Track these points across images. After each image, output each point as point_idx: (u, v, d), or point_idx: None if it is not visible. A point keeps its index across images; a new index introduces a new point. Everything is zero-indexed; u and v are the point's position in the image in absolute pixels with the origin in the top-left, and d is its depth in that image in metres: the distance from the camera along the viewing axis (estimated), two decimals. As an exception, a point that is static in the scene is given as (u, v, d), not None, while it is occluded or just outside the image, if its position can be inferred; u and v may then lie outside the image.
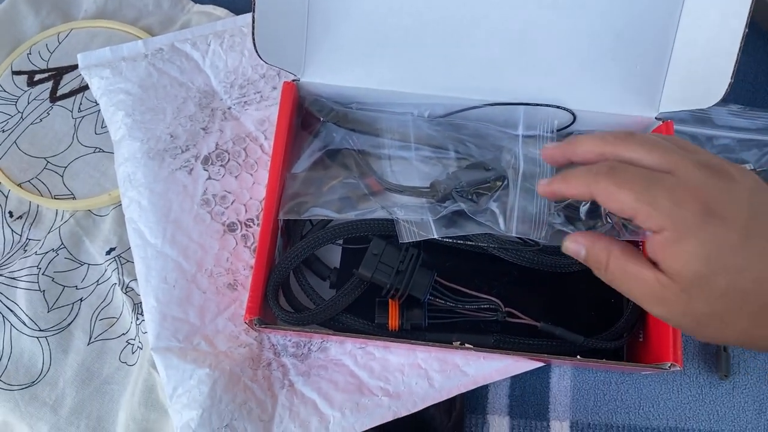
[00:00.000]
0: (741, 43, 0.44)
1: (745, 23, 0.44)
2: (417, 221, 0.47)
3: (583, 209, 0.48)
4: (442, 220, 0.47)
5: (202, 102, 0.56)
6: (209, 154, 0.54)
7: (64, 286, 0.55)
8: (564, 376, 0.52)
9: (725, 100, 0.56)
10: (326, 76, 0.51)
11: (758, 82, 0.60)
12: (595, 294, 0.50)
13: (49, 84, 0.60)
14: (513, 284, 0.50)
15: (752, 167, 0.55)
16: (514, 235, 0.46)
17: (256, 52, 0.45)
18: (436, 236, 0.46)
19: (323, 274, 0.51)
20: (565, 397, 0.52)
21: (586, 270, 0.48)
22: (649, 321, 0.48)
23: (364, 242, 0.48)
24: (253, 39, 0.45)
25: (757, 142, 0.56)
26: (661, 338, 0.46)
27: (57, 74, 0.61)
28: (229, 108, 0.56)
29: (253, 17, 0.44)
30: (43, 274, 0.55)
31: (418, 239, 0.46)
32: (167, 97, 0.55)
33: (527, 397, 0.52)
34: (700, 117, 0.57)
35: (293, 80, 0.51)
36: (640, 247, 0.50)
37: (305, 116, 0.53)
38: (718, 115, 0.57)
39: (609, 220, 0.46)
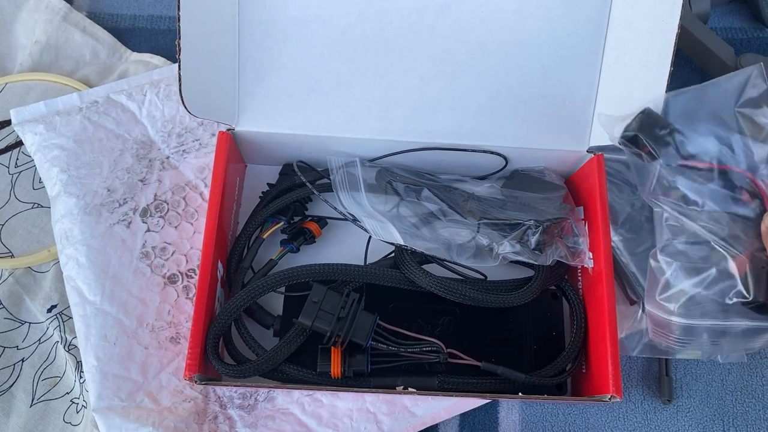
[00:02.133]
0: (668, 80, 0.45)
1: (670, 62, 0.45)
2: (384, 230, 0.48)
3: (533, 239, 0.49)
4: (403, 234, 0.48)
5: (139, 153, 0.55)
6: (148, 205, 0.54)
7: (5, 347, 0.54)
8: (512, 410, 0.52)
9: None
10: (262, 124, 0.51)
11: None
12: (538, 328, 0.51)
13: (-15, 140, 0.59)
14: (456, 322, 0.51)
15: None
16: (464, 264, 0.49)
17: (184, 106, 0.45)
18: (402, 243, 0.47)
19: (267, 322, 0.51)
20: (514, 430, 0.52)
21: (528, 305, 0.50)
22: (590, 353, 0.49)
23: (307, 289, 0.48)
24: (180, 94, 0.45)
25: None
26: (601, 370, 0.46)
27: (-8, 130, 0.60)
28: (168, 157, 0.56)
29: (179, 72, 0.44)
30: (-19, 336, 0.54)
31: (387, 240, 0.47)
32: (103, 150, 0.55)
33: (477, 434, 0.52)
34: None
35: (228, 129, 0.51)
36: (579, 272, 0.52)
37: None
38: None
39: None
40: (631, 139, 0.48)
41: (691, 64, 0.63)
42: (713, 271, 0.46)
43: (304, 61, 0.50)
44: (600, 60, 0.50)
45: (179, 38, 0.43)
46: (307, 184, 0.51)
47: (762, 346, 0.48)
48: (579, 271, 0.52)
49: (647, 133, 0.48)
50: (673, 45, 0.44)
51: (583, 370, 0.50)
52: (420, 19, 0.49)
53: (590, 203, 0.51)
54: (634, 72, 0.48)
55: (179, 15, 0.43)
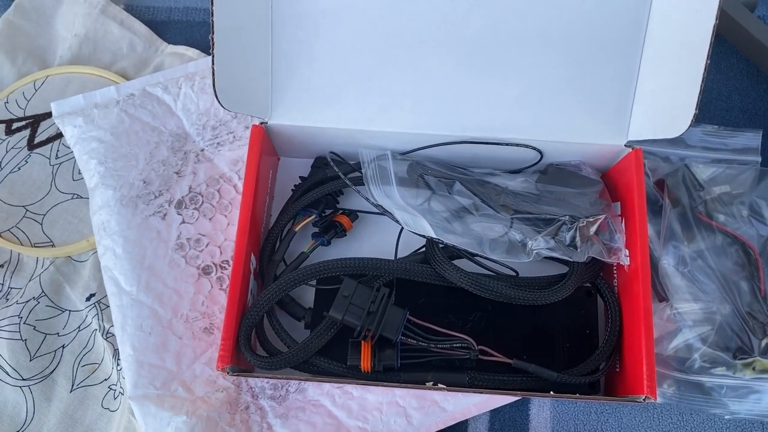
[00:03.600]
0: (703, 74, 0.44)
1: (706, 55, 0.43)
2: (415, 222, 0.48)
3: (568, 235, 0.48)
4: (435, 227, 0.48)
5: (174, 145, 0.56)
6: (183, 197, 0.55)
7: (46, 334, 0.55)
8: (543, 408, 0.52)
9: (698, 120, 0.56)
10: (294, 118, 0.51)
11: (732, 101, 0.60)
12: (571, 326, 0.50)
13: (27, 132, 0.61)
14: (488, 319, 0.50)
15: (728, 189, 0.54)
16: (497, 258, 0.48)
17: (218, 101, 0.46)
18: (434, 236, 0.47)
19: (298, 314, 0.51)
20: (545, 428, 0.51)
21: (561, 302, 0.49)
22: (625, 352, 0.48)
23: (338, 282, 0.48)
24: (214, 89, 0.45)
25: (732, 161, 0.56)
26: (636, 370, 0.45)
27: (34, 122, 0.61)
28: (202, 150, 0.57)
29: (213, 66, 0.45)
30: (24, 323, 0.55)
31: (418, 233, 0.47)
32: (140, 143, 0.55)
33: (507, 431, 0.51)
34: (672, 138, 0.56)
35: (261, 123, 0.51)
36: (615, 269, 0.51)
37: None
38: (691, 136, 0.57)
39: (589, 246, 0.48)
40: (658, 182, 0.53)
41: (736, 54, 0.61)
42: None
43: (335, 54, 0.49)
44: (639, 53, 0.48)
45: (212, 33, 0.44)
46: (341, 175, 0.51)
47: None
48: (615, 268, 0.51)
49: (679, 186, 0.53)
50: (709, 39, 0.43)
51: (617, 369, 0.49)
52: (453, 10, 0.48)
53: (627, 199, 0.50)
54: (670, 66, 0.46)
55: (212, 10, 0.43)
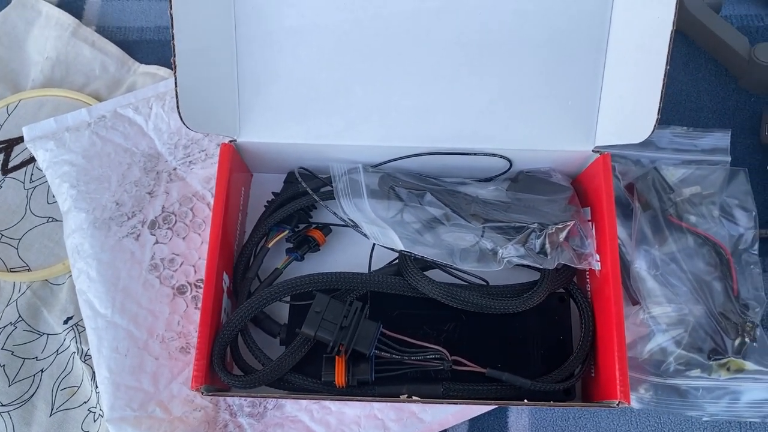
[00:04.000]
0: (664, 80, 0.44)
1: (665, 61, 0.44)
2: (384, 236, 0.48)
3: (537, 243, 0.49)
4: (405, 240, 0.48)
5: (147, 166, 0.56)
6: (156, 218, 0.55)
7: (24, 359, 0.55)
8: (522, 415, 0.52)
9: (666, 123, 0.57)
10: (263, 135, 0.51)
11: (701, 101, 0.60)
12: (545, 332, 0.50)
13: (1, 156, 0.61)
14: (462, 328, 0.50)
15: (699, 190, 0.54)
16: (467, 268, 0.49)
17: (183, 122, 0.46)
18: (402, 249, 0.48)
19: (273, 331, 0.51)
20: (524, 436, 0.52)
21: (534, 309, 0.49)
22: (599, 357, 0.48)
23: (312, 297, 0.48)
24: (179, 110, 0.45)
25: (702, 162, 0.56)
26: (609, 375, 0.45)
27: (8, 146, 0.61)
28: (175, 169, 0.57)
29: (176, 89, 0.45)
30: (2, 348, 0.55)
31: (387, 246, 0.48)
32: (112, 165, 0.56)
33: (486, 439, 0.52)
34: (642, 141, 0.57)
35: (230, 141, 0.51)
36: (587, 274, 0.51)
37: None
38: (661, 138, 0.57)
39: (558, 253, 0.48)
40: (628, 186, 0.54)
41: (704, 55, 0.62)
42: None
43: (301, 70, 0.50)
44: (603, 60, 0.48)
45: (174, 56, 0.44)
46: (309, 191, 0.51)
47: None
48: (587, 273, 0.51)
49: (649, 190, 0.53)
50: (667, 46, 0.43)
51: (592, 375, 0.49)
52: (416, 24, 0.48)
53: (597, 204, 0.50)
54: (633, 72, 0.47)
55: (173, 33, 0.43)
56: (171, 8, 0.42)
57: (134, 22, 0.67)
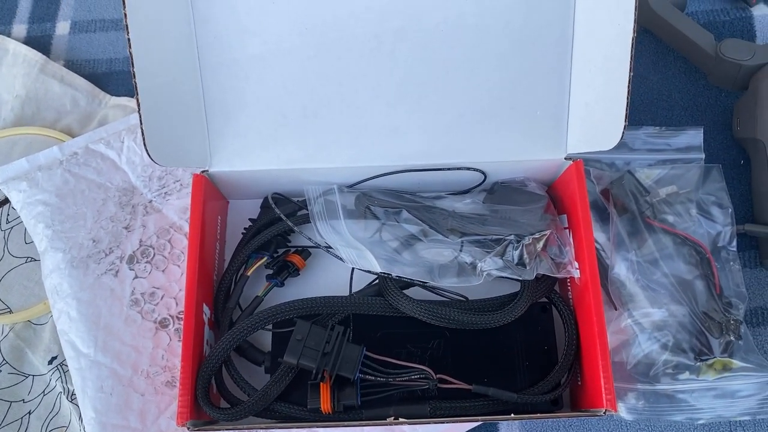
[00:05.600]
0: (628, 86, 0.44)
1: (629, 68, 0.44)
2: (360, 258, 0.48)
3: (515, 254, 0.49)
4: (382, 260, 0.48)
5: (122, 200, 0.56)
6: (134, 252, 0.55)
7: (11, 402, 0.55)
8: (512, 426, 0.52)
9: (639, 123, 0.57)
10: (235, 164, 0.51)
11: (672, 99, 0.60)
12: (529, 343, 0.50)
13: (-24, 198, 0.61)
14: (446, 345, 0.50)
15: (676, 189, 0.54)
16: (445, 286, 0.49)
17: (151, 158, 0.45)
18: (379, 270, 0.47)
19: (257, 359, 0.51)
20: (516, 447, 0.51)
21: (517, 320, 0.49)
22: (584, 365, 0.48)
23: (294, 324, 0.48)
24: (145, 147, 0.45)
25: (677, 161, 0.56)
26: (594, 383, 0.45)
27: (-18, 188, 0.61)
28: (150, 201, 0.57)
29: (141, 126, 0.44)
30: (-12, 393, 0.55)
31: (364, 269, 0.48)
32: (86, 202, 0.55)
33: (478, 453, 0.51)
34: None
35: (202, 171, 0.51)
36: (569, 282, 0.51)
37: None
38: (635, 139, 0.57)
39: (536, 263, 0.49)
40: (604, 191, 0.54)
41: (673, 53, 0.62)
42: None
43: (269, 96, 0.50)
44: (569, 68, 0.49)
45: (137, 93, 0.44)
46: (283, 217, 0.51)
47: None
48: (568, 280, 0.51)
49: (624, 193, 0.53)
50: (629, 53, 0.43)
51: (579, 383, 0.49)
52: (379, 45, 0.48)
53: (572, 211, 0.50)
54: (599, 80, 0.47)
55: (133, 71, 0.43)
56: (130, 47, 0.42)
57: (103, 54, 0.66)
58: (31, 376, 0.56)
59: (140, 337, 0.52)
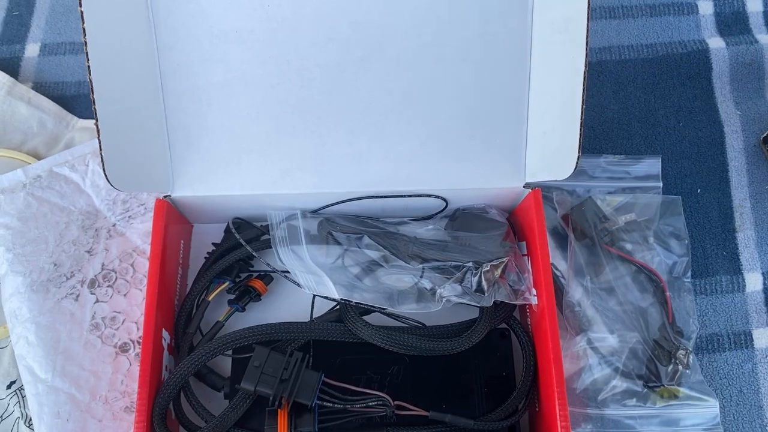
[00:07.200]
0: (581, 119, 0.45)
1: (581, 101, 0.45)
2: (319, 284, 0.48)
3: (474, 281, 0.49)
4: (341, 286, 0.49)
5: (85, 224, 0.56)
6: (95, 276, 0.54)
7: (-33, 427, 0.54)
8: (472, 453, 0.52)
9: (600, 151, 0.58)
10: (198, 188, 0.51)
11: (632, 128, 0.62)
12: (487, 369, 0.51)
13: (-62, 220, 0.60)
14: (405, 371, 0.50)
15: (634, 217, 0.56)
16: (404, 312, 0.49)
17: (111, 185, 0.46)
18: (337, 297, 0.48)
19: (217, 385, 0.51)
20: (475, 474, 0.52)
21: (476, 346, 0.49)
22: (541, 391, 0.49)
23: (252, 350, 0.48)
24: (105, 173, 0.45)
25: (635, 189, 0.57)
26: (550, 411, 0.46)
27: (-55, 209, 0.61)
28: (114, 225, 0.57)
29: (101, 152, 0.45)
30: (-57, 417, 0.54)
31: (322, 295, 0.48)
32: (48, 225, 0.55)
33: (438, 480, 0.51)
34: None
35: (164, 196, 0.51)
36: (528, 308, 0.52)
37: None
38: (595, 167, 0.58)
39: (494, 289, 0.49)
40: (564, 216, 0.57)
41: (633, 83, 0.63)
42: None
43: (232, 123, 0.50)
44: (526, 99, 0.50)
45: (96, 119, 0.44)
46: (242, 242, 0.52)
47: None
48: (527, 307, 0.52)
49: (584, 219, 0.55)
50: (581, 85, 0.44)
51: (537, 409, 0.50)
52: (341, 74, 0.49)
53: (530, 238, 0.51)
54: (554, 112, 0.48)
55: (93, 98, 0.43)
56: (90, 73, 0.42)
57: (71, 76, 0.67)
58: (-11, 401, 0.55)
59: (100, 362, 0.52)
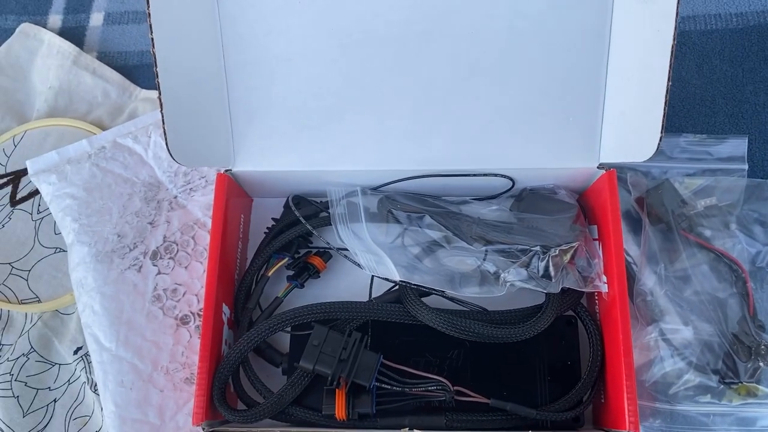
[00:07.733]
0: (666, 96, 0.42)
1: (667, 77, 0.41)
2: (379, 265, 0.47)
3: (541, 266, 0.47)
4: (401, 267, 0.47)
5: (147, 195, 0.56)
6: (157, 248, 0.55)
7: (38, 389, 0.56)
8: (531, 441, 0.51)
9: (679, 130, 0.55)
10: (258, 164, 0.51)
11: (716, 105, 0.57)
12: (552, 357, 0.49)
13: (9, 189, 0.62)
14: (465, 355, 0.49)
15: (715, 201, 0.52)
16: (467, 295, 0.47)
17: (174, 159, 0.45)
18: (398, 279, 0.47)
19: (276, 361, 0.51)
20: (534, 462, 0.50)
21: (539, 336, 0.47)
22: (608, 383, 0.47)
23: (312, 327, 0.48)
24: (167, 147, 0.45)
25: (717, 171, 0.54)
26: (618, 403, 0.44)
27: (15, 178, 0.62)
28: (175, 197, 0.57)
29: (164, 126, 0.44)
30: (15, 379, 0.56)
31: (382, 276, 0.47)
32: (112, 196, 0.56)
33: (495, 466, 0.50)
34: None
35: (225, 170, 0.51)
36: (596, 295, 0.49)
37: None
38: (674, 147, 0.55)
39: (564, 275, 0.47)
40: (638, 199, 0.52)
41: (719, 56, 0.59)
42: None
43: (293, 98, 0.49)
44: (604, 75, 0.46)
45: (159, 93, 0.43)
46: (302, 220, 0.51)
47: None
48: (596, 294, 0.50)
49: (660, 203, 0.51)
50: (668, 60, 0.41)
51: (603, 401, 0.48)
52: (405, 48, 0.47)
53: (603, 222, 0.49)
54: (635, 89, 0.44)
55: (157, 71, 0.43)
56: (153, 46, 0.42)
57: (134, 46, 0.67)
58: (57, 365, 0.57)
59: (161, 333, 0.52)
